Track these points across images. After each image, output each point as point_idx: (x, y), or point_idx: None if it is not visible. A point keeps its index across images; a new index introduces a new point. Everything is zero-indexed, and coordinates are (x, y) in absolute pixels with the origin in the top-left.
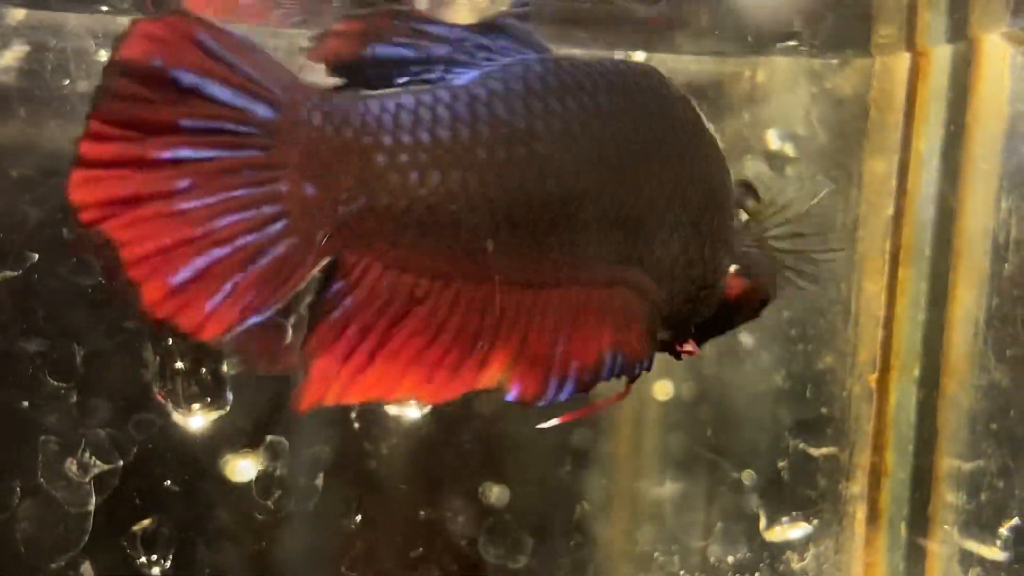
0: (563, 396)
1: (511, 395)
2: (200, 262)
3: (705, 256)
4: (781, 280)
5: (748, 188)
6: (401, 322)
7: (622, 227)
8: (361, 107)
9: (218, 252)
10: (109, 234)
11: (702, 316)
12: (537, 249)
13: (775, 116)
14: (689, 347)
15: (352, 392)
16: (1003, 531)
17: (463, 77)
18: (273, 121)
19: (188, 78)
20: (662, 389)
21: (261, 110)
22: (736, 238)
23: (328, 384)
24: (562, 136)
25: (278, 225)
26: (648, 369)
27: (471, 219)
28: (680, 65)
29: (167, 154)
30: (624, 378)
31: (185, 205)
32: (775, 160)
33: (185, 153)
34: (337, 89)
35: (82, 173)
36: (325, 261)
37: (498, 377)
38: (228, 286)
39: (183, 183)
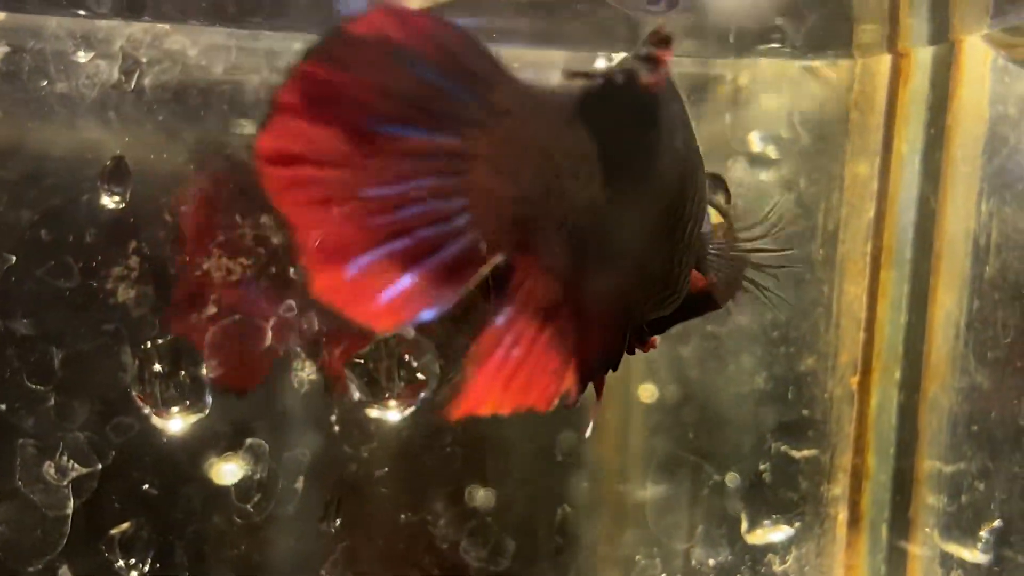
0: (572, 401)
1: (568, 401)
2: (378, 252)
3: (682, 263)
4: (739, 288)
5: (718, 182)
6: (545, 330)
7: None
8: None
9: (398, 244)
10: (286, 214)
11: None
12: (637, 260)
13: (758, 118)
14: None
15: (506, 402)
16: (983, 534)
17: None
18: (470, 107)
19: (401, 54)
20: (646, 392)
21: (461, 94)
22: (705, 241)
23: (485, 394)
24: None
25: (462, 219)
26: (614, 368)
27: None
28: None
29: (361, 128)
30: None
31: (371, 191)
32: (757, 163)
33: (381, 128)
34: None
35: (274, 133)
36: (497, 260)
37: (568, 384)
38: (405, 280)
39: (372, 164)
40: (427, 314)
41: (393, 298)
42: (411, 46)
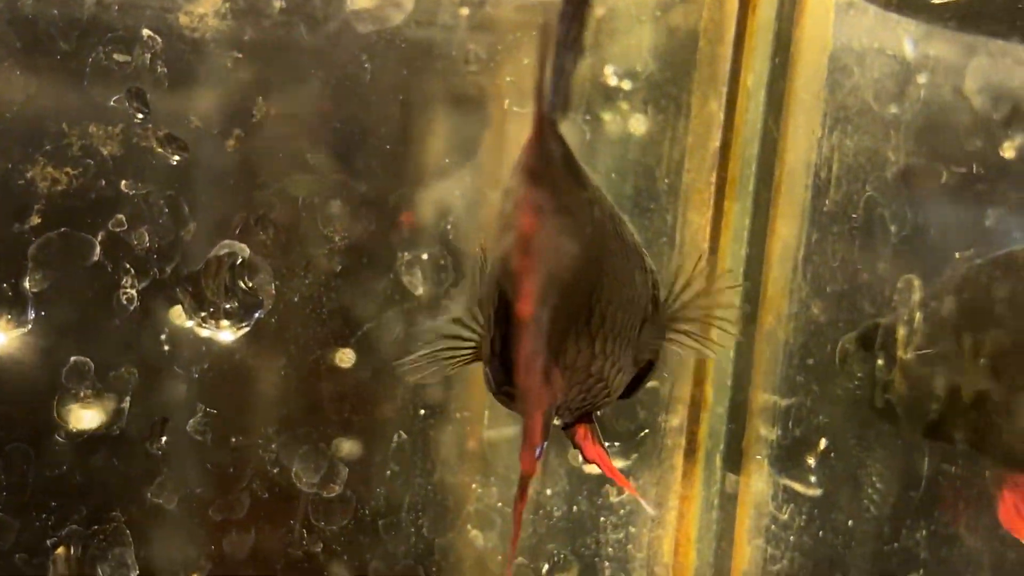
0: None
1: None
2: None
3: (606, 352)
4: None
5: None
6: None
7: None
8: None
9: None
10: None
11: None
12: None
13: (615, 54)
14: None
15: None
16: (811, 460)
17: None
18: None
19: None
20: None
21: None
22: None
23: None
24: None
25: None
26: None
27: None
28: (507, 14)
29: None
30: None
31: None
32: (612, 97)
33: None
34: None
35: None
36: None
37: None
38: None
39: None
40: None
41: None
42: None
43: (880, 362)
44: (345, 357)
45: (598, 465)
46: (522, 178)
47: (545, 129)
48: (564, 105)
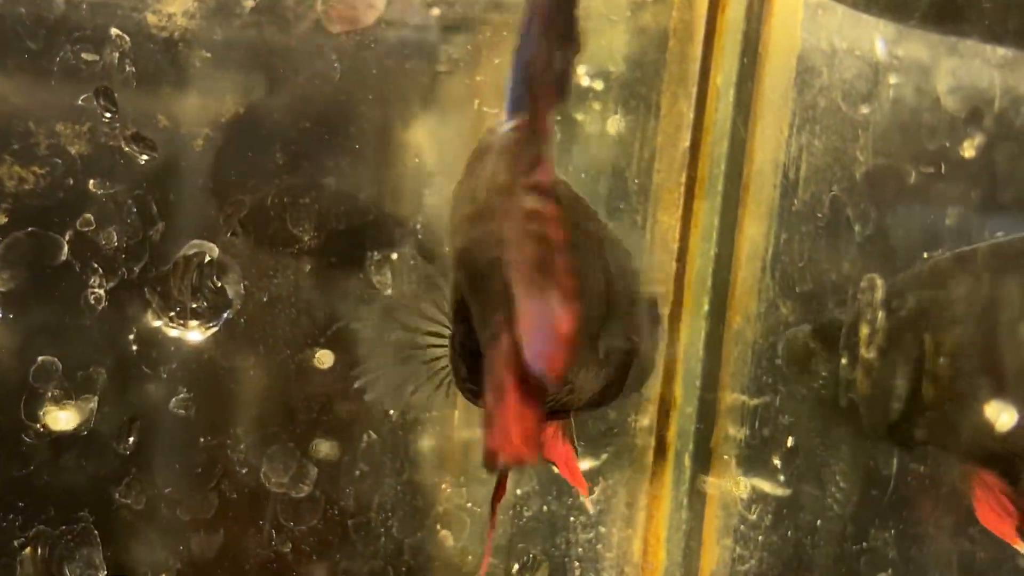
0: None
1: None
2: None
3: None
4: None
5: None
6: None
7: None
8: None
9: None
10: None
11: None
12: None
13: (586, 54)
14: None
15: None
16: (778, 460)
17: None
18: None
19: None
20: None
21: None
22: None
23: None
24: None
25: None
26: None
27: None
28: (474, 12)
29: None
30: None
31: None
32: (583, 97)
33: None
34: None
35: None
36: None
37: None
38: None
39: None
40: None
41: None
42: None
43: (844, 361)
44: (315, 357)
45: (555, 465)
46: (536, 188)
47: (550, 125)
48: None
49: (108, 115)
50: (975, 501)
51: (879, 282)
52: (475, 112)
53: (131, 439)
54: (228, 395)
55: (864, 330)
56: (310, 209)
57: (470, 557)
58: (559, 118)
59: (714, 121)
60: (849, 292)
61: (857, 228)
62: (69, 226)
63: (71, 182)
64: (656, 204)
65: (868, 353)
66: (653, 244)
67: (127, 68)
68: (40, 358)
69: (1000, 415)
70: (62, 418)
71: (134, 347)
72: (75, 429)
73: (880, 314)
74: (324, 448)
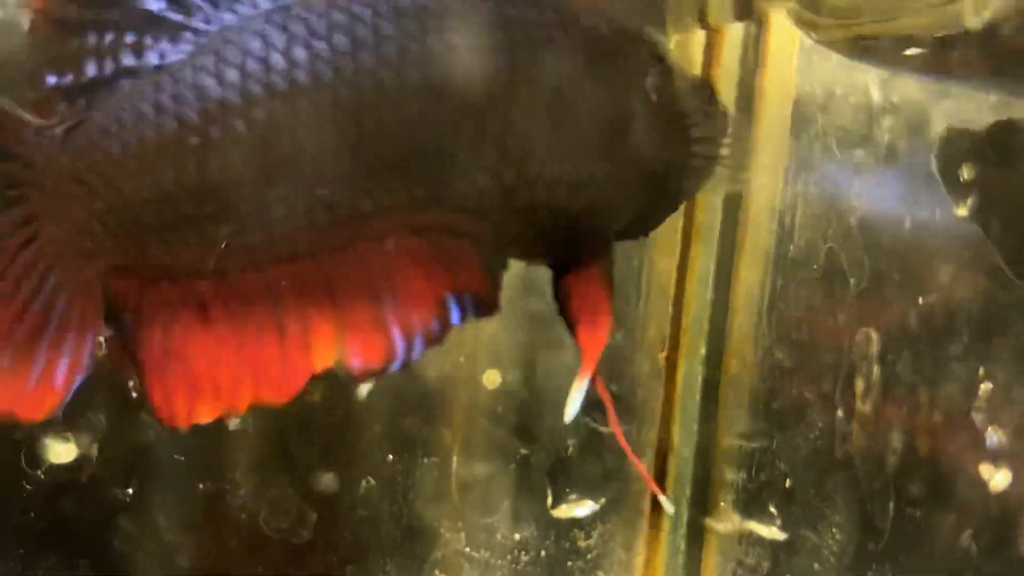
0: (417, 353)
1: (356, 367)
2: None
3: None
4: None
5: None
6: (202, 332)
7: (412, 169)
8: (86, 131)
9: (16, 332)
10: None
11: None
12: (304, 216)
13: None
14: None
15: (200, 413)
16: (775, 506)
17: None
18: (17, 173)
19: None
20: (490, 378)
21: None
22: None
23: (174, 409)
24: (292, 97)
25: (50, 282)
26: (494, 309)
27: (212, 208)
28: None
29: None
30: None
31: None
32: None
33: None
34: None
35: None
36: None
37: (331, 353)
38: (40, 359)
39: None
40: (81, 376)
41: (39, 379)
42: None
43: (840, 413)
44: (314, 394)
45: (573, 328)
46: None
47: None
48: None
49: None
50: None
51: (874, 335)
52: None
53: (129, 489)
54: (226, 441)
55: (860, 384)
56: None
57: None
58: None
59: None
60: (845, 342)
61: (852, 281)
62: None
63: None
64: (653, 248)
65: (864, 406)
66: (650, 288)
67: None
68: None
69: None
70: (54, 459)
71: (133, 393)
72: (67, 473)
73: (876, 368)
74: (320, 490)
